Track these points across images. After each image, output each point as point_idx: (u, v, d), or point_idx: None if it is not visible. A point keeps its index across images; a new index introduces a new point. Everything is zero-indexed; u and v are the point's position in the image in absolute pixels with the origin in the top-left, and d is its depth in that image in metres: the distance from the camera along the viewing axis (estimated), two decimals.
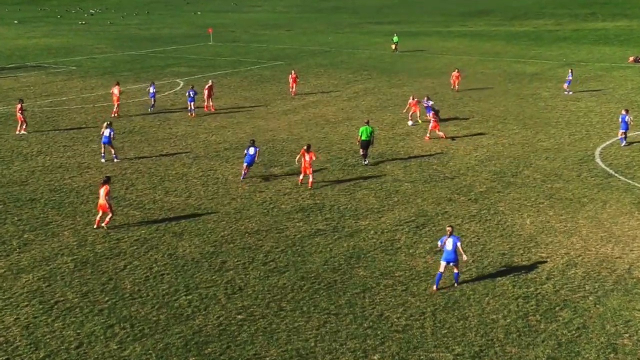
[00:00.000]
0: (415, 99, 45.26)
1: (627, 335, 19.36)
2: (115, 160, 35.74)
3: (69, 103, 51.89)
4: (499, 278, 22.91)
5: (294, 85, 55.34)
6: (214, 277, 22.91)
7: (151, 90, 48.84)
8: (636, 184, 32.44)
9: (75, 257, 24.39)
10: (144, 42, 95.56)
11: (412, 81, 62.82)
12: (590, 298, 21.52)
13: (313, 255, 24.69)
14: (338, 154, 38.07)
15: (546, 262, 24.17)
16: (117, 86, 47.25)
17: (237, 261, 24.16)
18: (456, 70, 58.14)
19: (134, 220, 28.01)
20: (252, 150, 32.92)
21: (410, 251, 25.12)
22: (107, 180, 27.08)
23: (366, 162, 35.79)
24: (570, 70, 56.98)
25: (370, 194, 31.44)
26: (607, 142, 40.10)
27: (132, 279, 22.72)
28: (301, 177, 32.13)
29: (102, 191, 26.66)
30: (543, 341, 19.07)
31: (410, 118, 44.92)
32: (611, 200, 30.35)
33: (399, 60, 77.15)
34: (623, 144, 38.18)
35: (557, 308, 20.91)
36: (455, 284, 22.41)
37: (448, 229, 22.51)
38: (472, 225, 27.56)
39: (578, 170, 34.81)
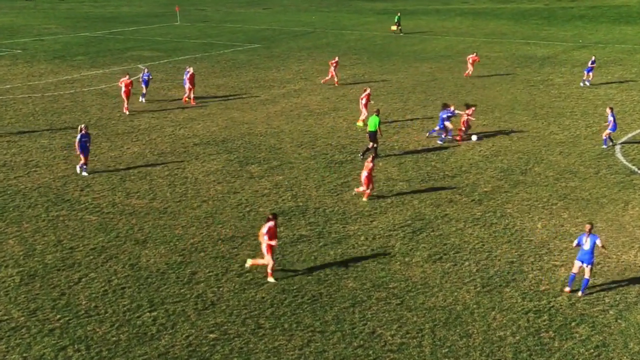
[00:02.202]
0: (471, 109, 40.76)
1: None
2: (82, 172, 33.80)
3: (13, 92, 51.65)
4: (507, 290, 23.00)
5: (334, 74, 55.38)
6: (182, 290, 22.85)
7: (144, 77, 48.26)
8: None
9: (21, 269, 24.26)
10: (99, 22, 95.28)
11: (407, 66, 62.99)
12: (611, 312, 21.64)
13: (295, 265, 24.68)
14: (323, 149, 38.12)
15: (560, 271, 24.28)
16: (127, 77, 46.00)
17: (209, 272, 24.12)
18: (475, 54, 58.07)
19: (90, 226, 27.90)
20: None
21: (406, 259, 25.18)
22: None
23: (362, 157, 35.98)
24: (592, 58, 56.00)
25: (361, 194, 31.45)
26: (629, 135, 40.36)
27: (88, 293, 22.63)
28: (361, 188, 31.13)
29: None
30: None
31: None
32: (634, 201, 30.54)
33: (392, 43, 77.32)
34: (609, 144, 37.85)
35: (573, 323, 21.01)
36: (580, 293, 22.56)
37: (587, 226, 22.68)
38: (476, 230, 27.66)
39: (596, 167, 35.01)
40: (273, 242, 23.37)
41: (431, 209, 29.85)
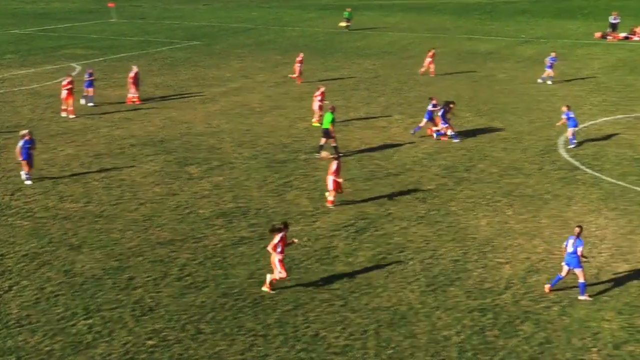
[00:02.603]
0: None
1: (595, 349, 19.82)
2: (27, 181, 32.78)
3: None
4: (452, 288, 23.20)
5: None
6: (119, 296, 22.59)
7: (87, 77, 47.30)
8: (604, 177, 33.28)
9: None
10: (30, 19, 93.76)
11: (350, 63, 63.17)
12: (555, 308, 21.97)
13: (237, 268, 24.58)
14: (265, 148, 38.04)
15: (505, 268, 24.57)
16: (69, 77, 44.85)
17: (147, 277, 23.89)
18: (432, 51, 57.69)
19: (22, 231, 27.44)
20: None
21: (350, 260, 25.24)
22: None
23: (318, 154, 36.13)
24: (553, 54, 55.06)
25: (302, 194, 31.48)
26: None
27: (20, 302, 22.23)
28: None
29: None
30: (502, 359, 19.39)
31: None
32: (577, 197, 31.06)
33: (335, 39, 77.50)
34: (573, 145, 38.42)
35: (517, 321, 21.27)
36: (581, 297, 22.52)
37: (576, 229, 22.69)
38: (420, 229, 27.85)
39: (540, 163, 35.52)
40: (280, 256, 22.81)
41: (375, 207, 29.98)
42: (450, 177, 33.67)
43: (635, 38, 76.42)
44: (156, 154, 36.78)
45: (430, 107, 39.75)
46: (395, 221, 28.59)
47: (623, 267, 24.56)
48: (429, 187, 32.34)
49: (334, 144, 36.33)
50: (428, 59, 56.64)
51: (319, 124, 40.90)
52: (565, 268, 22.63)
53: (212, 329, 20.77)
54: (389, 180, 33.20)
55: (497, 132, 40.77)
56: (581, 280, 22.49)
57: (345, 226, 28.13)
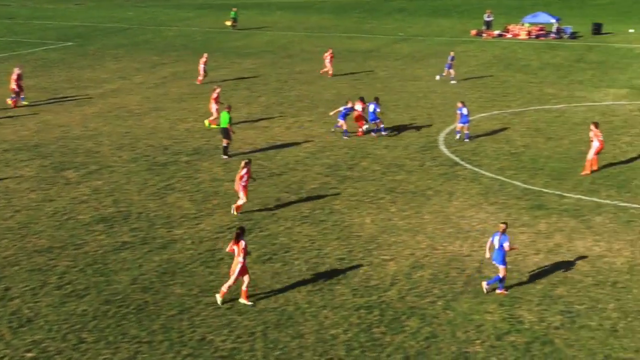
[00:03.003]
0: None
1: (478, 341, 20.38)
2: None
3: None
4: (338, 287, 23.43)
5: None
6: None
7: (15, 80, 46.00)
8: (484, 172, 34.23)
9: None
10: None
11: (230, 63, 63.00)
12: (439, 303, 22.47)
13: (119, 274, 24.18)
14: (144, 151, 37.54)
15: (390, 265, 24.98)
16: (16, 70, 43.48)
17: (25, 287, 23.21)
18: (329, 51, 57.72)
19: None
20: None
21: None
22: None
23: (225, 157, 36.24)
24: (452, 54, 55.77)
25: (184, 197, 31.22)
26: (452, 127, 42.01)
27: None
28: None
29: None
30: (389, 355, 19.70)
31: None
32: (458, 192, 31.85)
33: (214, 39, 77.12)
34: (467, 139, 39.55)
35: (403, 317, 21.66)
36: (486, 285, 22.98)
37: (502, 226, 22.92)
38: (305, 228, 28.02)
39: (421, 160, 36.25)
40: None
41: (259, 208, 29.98)
42: (334, 175, 33.99)
43: (509, 35, 78.90)
44: (31, 159, 35.78)
45: (343, 108, 39.93)
46: (279, 221, 28.68)
47: None
48: (312, 186, 32.57)
49: (225, 145, 36.23)
50: (327, 59, 56.84)
51: (215, 126, 40.73)
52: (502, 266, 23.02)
53: (94, 338, 20.36)
54: (272, 181, 33.27)
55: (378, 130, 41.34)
56: (501, 275, 22.96)
57: (230, 228, 28.02)
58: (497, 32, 79.52)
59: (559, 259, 25.42)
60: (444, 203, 30.64)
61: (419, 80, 55.11)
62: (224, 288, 22.28)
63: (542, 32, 78.32)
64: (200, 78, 53.83)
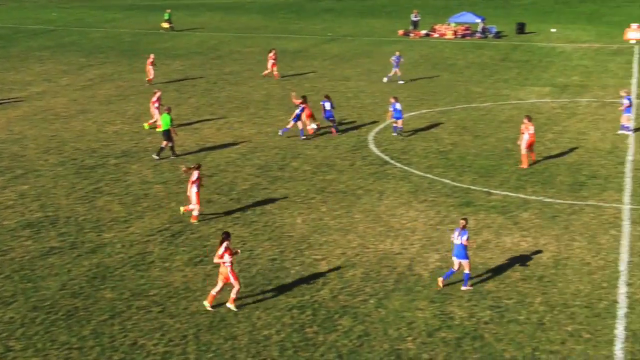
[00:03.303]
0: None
1: (410, 338, 20.58)
2: None
3: None
4: (270, 287, 23.43)
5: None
6: None
7: None
8: (413, 171, 34.55)
9: None
10: None
11: (159, 64, 62.25)
12: (371, 301, 22.62)
13: (47, 279, 23.78)
14: (72, 154, 36.97)
15: (322, 265, 25.05)
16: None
17: None
18: (272, 52, 57.27)
19: None
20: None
21: (166, 265, 24.98)
22: None
23: (157, 157, 35.88)
24: (397, 53, 55.88)
25: (114, 200, 30.85)
26: (381, 126, 42.31)
27: None
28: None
29: None
30: (322, 355, 19.76)
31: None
32: (388, 191, 32.09)
33: (142, 40, 76.32)
34: (395, 133, 40.15)
35: (336, 316, 21.75)
36: (464, 287, 23.12)
37: (461, 222, 23.05)
38: (237, 229, 27.92)
39: (351, 159, 36.42)
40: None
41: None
42: (265, 176, 33.95)
43: (436, 35, 79.76)
44: None
45: (298, 111, 39.82)
46: (211, 223, 28.54)
47: (434, 257, 25.60)
48: (243, 187, 32.48)
49: (163, 146, 36.10)
50: (270, 61, 56.32)
51: (155, 128, 40.54)
52: (455, 260, 23.25)
53: (22, 346, 20.00)
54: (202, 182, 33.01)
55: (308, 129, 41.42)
56: (466, 271, 23.22)
57: (160, 230, 27.80)
58: (424, 32, 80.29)
59: (487, 255, 25.81)
60: (374, 202, 30.84)
61: (348, 80, 55.33)
62: (234, 294, 22.07)
63: (467, 31, 79.32)
64: (150, 77, 53.67)
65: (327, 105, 40.14)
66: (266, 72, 56.28)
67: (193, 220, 28.60)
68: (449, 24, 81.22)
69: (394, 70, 54.63)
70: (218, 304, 22.12)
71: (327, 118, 40.36)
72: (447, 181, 33.17)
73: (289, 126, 39.96)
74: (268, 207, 30.27)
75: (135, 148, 38.00)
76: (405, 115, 42.55)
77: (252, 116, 44.74)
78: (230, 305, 22.06)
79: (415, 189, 32.23)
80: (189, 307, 22.18)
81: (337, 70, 59.21)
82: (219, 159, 36.34)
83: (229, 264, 21.87)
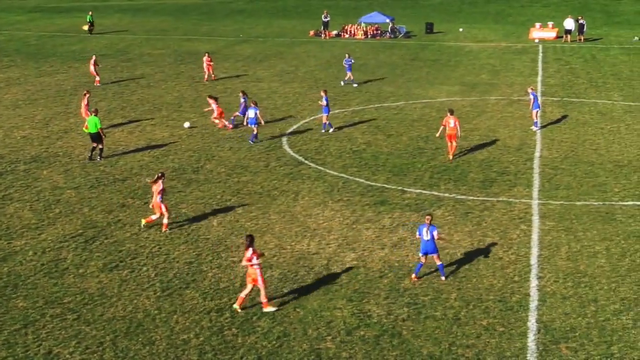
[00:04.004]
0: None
1: (329, 337, 20.67)
2: None
3: None
4: (188, 291, 23.24)
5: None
6: None
7: None
8: (328, 171, 34.70)
9: None
10: None
11: (67, 67, 61.30)
12: (290, 302, 22.64)
13: None
14: None
15: (239, 267, 24.93)
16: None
17: None
18: (206, 55, 56.70)
19: None
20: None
21: (80, 271, 24.55)
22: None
23: (90, 159, 35.61)
24: (347, 55, 55.64)
25: (24, 207, 30.17)
26: (295, 127, 42.38)
27: None
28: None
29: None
30: (242, 357, 19.70)
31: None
32: (303, 191, 32.16)
33: (48, 43, 74.84)
34: (327, 130, 40.74)
35: (254, 318, 21.70)
36: (443, 278, 23.61)
37: (427, 217, 23.30)
38: (152, 234, 27.62)
39: (266, 160, 36.38)
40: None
41: (103, 215, 29.34)
42: (179, 179, 33.65)
43: (346, 35, 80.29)
44: None
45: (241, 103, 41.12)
46: (125, 227, 28.16)
47: (350, 256, 25.76)
48: None
49: (94, 147, 35.91)
50: (205, 65, 55.85)
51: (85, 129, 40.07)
52: (422, 256, 23.61)
53: None
54: (116, 187, 32.60)
55: (222, 132, 41.24)
56: (438, 262, 23.76)
57: (74, 236, 27.30)
58: (334, 32, 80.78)
59: (403, 252, 26.09)
60: (290, 202, 30.88)
61: (261, 82, 55.27)
62: (263, 299, 21.95)
63: (378, 32, 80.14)
64: (98, 79, 53.88)
65: (252, 113, 39.22)
66: (206, 77, 55.76)
67: (164, 229, 27.89)
68: (359, 24, 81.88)
69: (348, 73, 54.40)
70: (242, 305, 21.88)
71: (251, 124, 39.49)
72: (362, 180, 33.43)
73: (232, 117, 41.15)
74: (183, 210, 30.01)
75: (45, 153, 37.23)
76: (319, 115, 42.78)
77: (165, 118, 44.32)
78: (270, 308, 21.98)
79: (330, 189, 32.39)
80: (105, 313, 21.84)
81: (250, 72, 59.10)
82: (132, 163, 35.87)
83: (258, 266, 21.77)
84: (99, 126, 35.60)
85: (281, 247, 26.50)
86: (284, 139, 39.94)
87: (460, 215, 29.45)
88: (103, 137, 36.17)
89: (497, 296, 22.98)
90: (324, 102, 40.55)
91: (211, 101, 42.06)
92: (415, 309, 22.19)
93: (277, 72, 58.68)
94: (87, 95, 41.66)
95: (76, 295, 22.92)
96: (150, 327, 21.13)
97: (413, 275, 24.02)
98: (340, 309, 22.17)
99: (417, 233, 23.91)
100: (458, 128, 36.07)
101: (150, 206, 28.56)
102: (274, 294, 22.99)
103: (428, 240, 23.52)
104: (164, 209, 27.81)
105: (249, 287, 22.13)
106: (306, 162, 36.10)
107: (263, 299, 22.11)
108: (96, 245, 26.61)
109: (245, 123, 40.22)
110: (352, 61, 55.00)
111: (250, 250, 21.82)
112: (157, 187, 27.75)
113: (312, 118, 44.35)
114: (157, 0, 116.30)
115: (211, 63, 56.21)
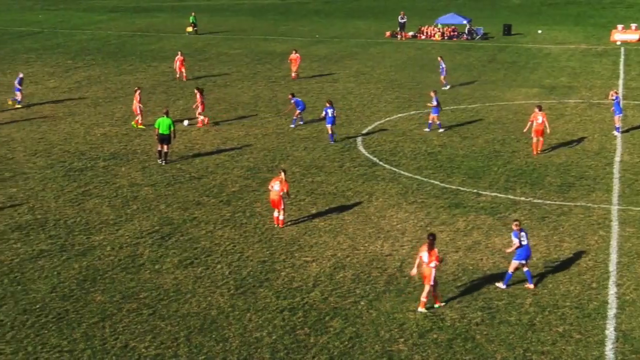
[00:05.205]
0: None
1: (402, 340, 20.60)
2: None
3: None
4: (261, 290, 23.41)
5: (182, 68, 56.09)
6: None
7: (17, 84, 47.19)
8: (402, 172, 34.60)
9: None
10: None
11: (146, 66, 62.35)
12: (362, 303, 22.63)
13: (37, 282, 23.70)
14: (61, 156, 36.87)
15: (312, 266, 25.05)
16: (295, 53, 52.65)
17: None
18: (294, 52, 57.32)
19: None
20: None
21: (156, 267, 24.94)
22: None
23: (160, 161, 35.49)
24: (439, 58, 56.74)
25: (103, 202, 30.79)
26: (369, 127, 42.37)
27: None
28: (275, 213, 28.66)
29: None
30: (314, 357, 19.76)
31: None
32: (377, 192, 32.12)
33: (128, 42, 76.25)
34: (436, 129, 41.01)
35: (327, 318, 21.76)
36: (532, 286, 23.37)
37: (516, 223, 23.18)
38: (227, 231, 27.91)
39: (340, 161, 36.44)
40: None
41: (179, 212, 29.76)
42: (254, 178, 33.93)
43: (423, 37, 79.92)
44: None
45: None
46: (200, 225, 28.51)
47: None
48: (233, 190, 32.45)
49: (161, 149, 35.65)
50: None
51: (142, 126, 41.15)
52: (525, 262, 23.30)
53: (12, 349, 19.92)
54: (192, 184, 33.04)
55: (297, 132, 41.45)
56: (526, 269, 23.42)
57: (150, 233, 27.75)
58: (411, 33, 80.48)
59: (477, 256, 25.86)
60: (364, 203, 30.87)
61: (336, 82, 55.39)
62: (423, 298, 22.06)
63: (454, 33, 79.58)
64: (184, 75, 55.71)
65: (330, 112, 39.43)
66: (294, 74, 56.47)
67: (280, 225, 28.30)
68: (436, 26, 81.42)
69: (443, 75, 54.00)
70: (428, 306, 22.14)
71: (329, 124, 39.64)
72: (436, 182, 33.24)
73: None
74: (258, 209, 30.24)
75: (124, 150, 37.93)
76: (394, 117, 42.77)
77: (241, 118, 44.72)
78: (422, 310, 22.06)
79: (405, 191, 32.28)
80: (179, 309, 22.14)
81: (325, 72, 59.25)
82: (208, 161, 36.30)
83: (434, 267, 21.86)
84: (172, 127, 35.65)
85: (354, 248, 26.51)
86: (359, 140, 39.95)
87: (536, 219, 29.06)
88: (174, 138, 36.17)
89: (573, 303, 22.61)
90: (434, 103, 40.75)
91: (197, 94, 42.86)
92: (489, 313, 21.97)
93: (353, 73, 58.70)
94: (139, 91, 42.12)
95: (152, 290, 23.29)
96: (223, 324, 21.35)
97: (529, 285, 23.54)
98: (413, 312, 22.07)
99: (517, 241, 23.18)
100: (546, 124, 36.67)
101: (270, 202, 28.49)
102: (346, 294, 23.03)
103: (526, 245, 23.17)
104: (282, 205, 28.01)
105: (427, 287, 22.10)
106: (381, 163, 36.05)
107: (423, 298, 22.10)
108: (172, 242, 27.01)
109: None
110: (443, 65, 54.37)
111: (435, 251, 21.86)
112: (283, 181, 27.84)
113: (387, 119, 44.27)
114: (235, 1, 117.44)
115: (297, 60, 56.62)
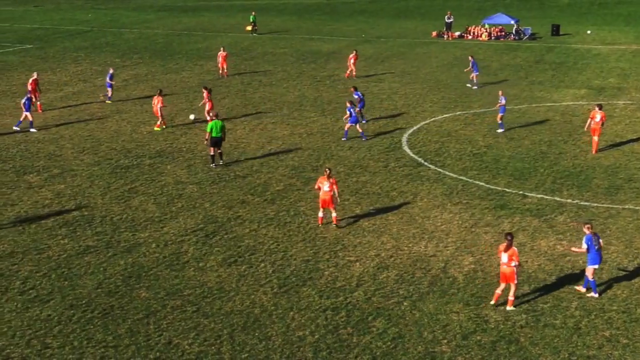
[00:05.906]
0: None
1: (445, 341, 20.49)
2: None
3: None
4: (304, 289, 23.44)
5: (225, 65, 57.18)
6: None
7: (108, 80, 48.61)
8: (447, 173, 34.43)
9: None
10: None
11: (192, 65, 62.79)
12: (405, 303, 22.56)
13: (83, 278, 23.99)
14: (107, 154, 37.27)
15: (355, 266, 25.03)
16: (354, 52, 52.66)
17: None
18: (354, 52, 57.77)
19: None
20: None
21: (200, 265, 25.09)
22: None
23: (214, 165, 35.21)
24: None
25: (148, 200, 31.06)
26: (415, 127, 42.22)
27: None
28: (320, 214, 28.79)
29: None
30: (356, 357, 19.74)
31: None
32: (422, 193, 32.00)
33: (175, 41, 76.85)
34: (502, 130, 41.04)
35: (369, 318, 21.72)
36: (596, 295, 22.93)
37: (588, 226, 22.89)
38: (270, 230, 28.00)
39: (385, 161, 36.37)
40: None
41: (223, 211, 29.92)
42: (298, 177, 34.00)
43: (469, 37, 79.44)
44: None
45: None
46: (245, 224, 28.63)
47: (468, 260, 25.48)
48: (277, 188, 32.54)
49: (215, 153, 35.34)
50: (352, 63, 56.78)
51: (159, 129, 40.98)
52: (596, 268, 22.96)
53: (59, 343, 20.18)
54: (236, 183, 33.19)
55: (342, 132, 41.39)
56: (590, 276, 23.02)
57: (195, 231, 27.94)
58: (457, 33, 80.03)
59: (523, 258, 25.58)
60: (408, 204, 30.77)
61: (382, 82, 55.29)
62: (511, 297, 22.18)
63: (502, 33, 78.97)
64: (225, 72, 57.15)
65: (352, 111, 39.42)
66: (349, 73, 56.65)
67: (334, 223, 28.38)
68: (483, 26, 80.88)
69: (474, 74, 53.69)
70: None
71: (352, 123, 39.71)
72: (482, 183, 33.02)
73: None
74: (302, 208, 30.30)
75: (169, 148, 38.23)
76: (439, 117, 42.56)
77: (286, 117, 44.84)
78: (511, 308, 22.12)
79: (450, 191, 32.11)
80: (223, 307, 22.25)
81: (371, 72, 59.16)
82: (253, 160, 36.45)
83: (516, 267, 21.98)
84: (224, 129, 35.45)
85: (398, 248, 26.44)
86: (404, 140, 39.83)
87: (583, 222, 28.69)
88: (224, 140, 35.94)
89: (620, 307, 22.31)
90: (502, 102, 40.83)
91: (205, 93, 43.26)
92: (533, 316, 21.76)
93: (398, 73, 58.55)
94: (161, 96, 42.19)
95: (196, 288, 23.44)
96: (266, 322, 21.41)
97: (580, 288, 23.28)
98: (457, 313, 21.96)
99: (588, 246, 22.74)
100: (591, 122, 37.18)
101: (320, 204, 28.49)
102: (389, 295, 22.97)
103: (599, 250, 22.80)
104: (329, 202, 28.06)
105: (502, 285, 22.16)
106: (425, 163, 35.91)
107: (511, 297, 22.13)
108: (216, 240, 27.16)
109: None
110: (475, 64, 53.95)
111: (515, 251, 21.92)
112: (331, 181, 27.95)
113: (432, 119, 44.09)
114: (280, 0, 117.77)
115: (356, 60, 56.97)
